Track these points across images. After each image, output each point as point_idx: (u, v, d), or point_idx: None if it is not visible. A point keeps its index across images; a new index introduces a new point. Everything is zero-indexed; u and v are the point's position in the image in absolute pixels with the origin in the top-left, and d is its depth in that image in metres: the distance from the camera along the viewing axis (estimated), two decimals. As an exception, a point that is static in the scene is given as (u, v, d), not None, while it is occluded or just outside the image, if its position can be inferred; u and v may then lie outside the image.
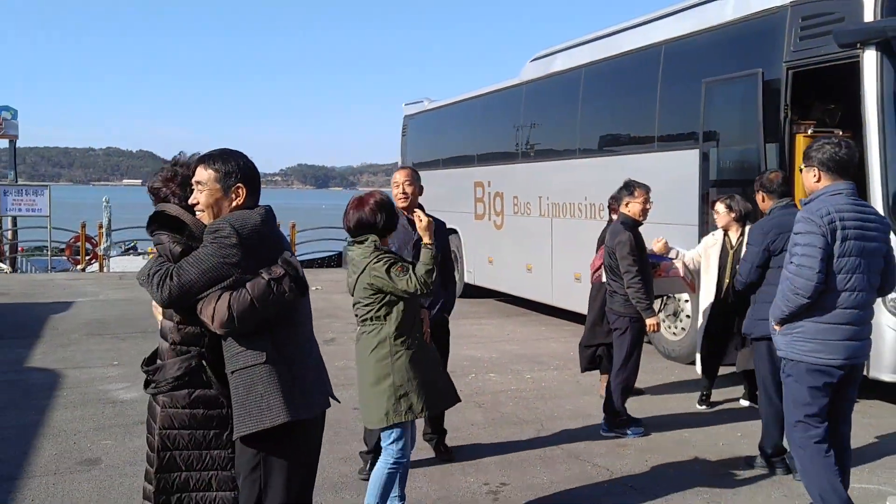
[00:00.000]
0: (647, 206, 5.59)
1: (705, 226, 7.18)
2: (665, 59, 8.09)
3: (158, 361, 2.75)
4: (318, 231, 20.75)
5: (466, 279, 12.32)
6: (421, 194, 4.85)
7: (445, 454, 5.03)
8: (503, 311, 11.49)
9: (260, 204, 2.83)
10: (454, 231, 12.35)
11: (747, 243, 4.89)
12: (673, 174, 7.73)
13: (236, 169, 2.76)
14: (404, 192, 4.77)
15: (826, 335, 3.65)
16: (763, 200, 4.98)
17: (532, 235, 10.52)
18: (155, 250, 2.82)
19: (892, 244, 3.81)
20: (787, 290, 3.65)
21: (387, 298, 3.69)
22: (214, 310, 2.60)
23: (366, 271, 3.66)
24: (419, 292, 3.61)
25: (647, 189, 5.60)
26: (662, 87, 8.14)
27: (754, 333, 4.85)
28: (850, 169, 3.75)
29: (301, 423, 2.69)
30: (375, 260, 3.64)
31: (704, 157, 7.34)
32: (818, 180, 3.72)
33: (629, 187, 5.62)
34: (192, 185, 2.76)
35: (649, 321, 5.47)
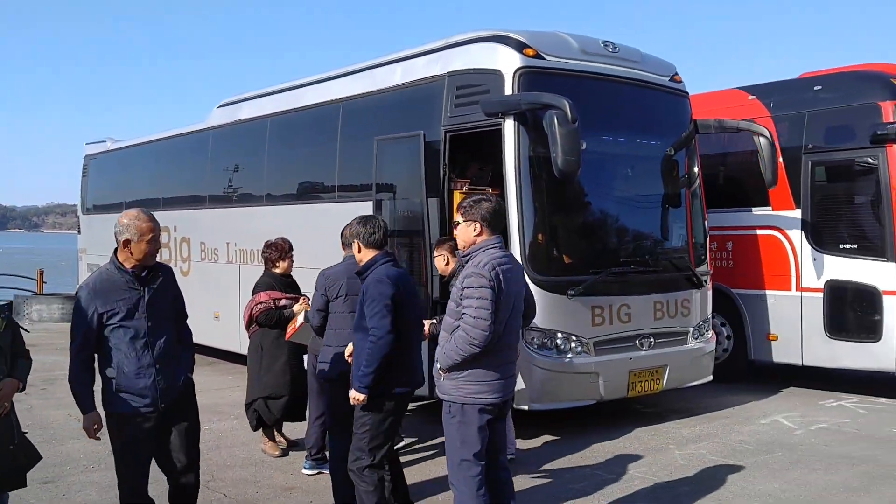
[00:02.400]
0: None
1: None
2: (343, 116, 8.56)
3: None
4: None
5: (151, 328, 11.73)
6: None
7: None
8: (190, 360, 11.10)
9: None
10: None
11: (315, 289, 5.22)
12: (351, 224, 8.15)
13: None
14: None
15: (488, 377, 4.00)
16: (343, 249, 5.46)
17: (220, 282, 10.38)
18: None
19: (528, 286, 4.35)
20: (462, 341, 3.90)
21: None
22: None
23: None
24: None
25: None
26: (342, 142, 8.59)
27: (324, 375, 5.10)
28: (501, 224, 4.24)
29: None
30: None
31: (378, 208, 7.84)
32: (479, 234, 4.09)
33: None
34: None
35: None
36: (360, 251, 4.60)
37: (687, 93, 8.06)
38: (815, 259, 8.38)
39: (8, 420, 3.60)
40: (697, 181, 7.99)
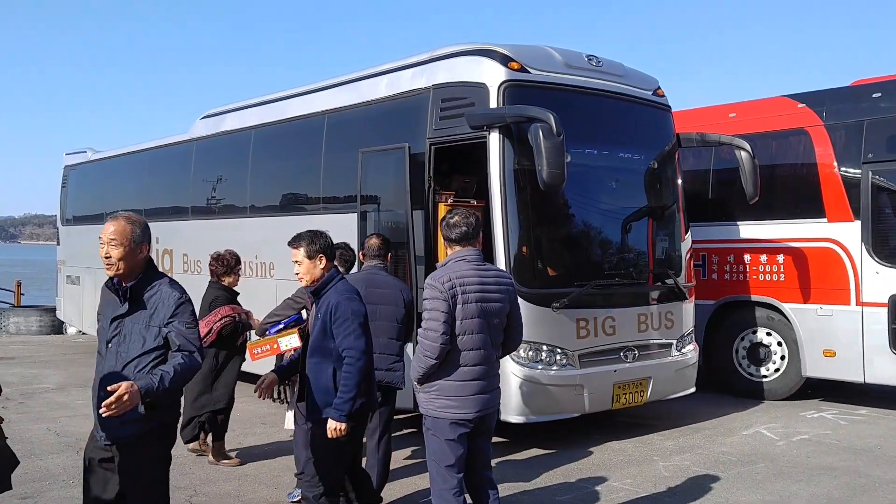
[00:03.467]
0: None
1: (363, 285, 7.63)
2: (328, 128, 8.55)
3: None
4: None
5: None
6: (143, 254, 3.62)
7: None
8: (171, 373, 11.01)
9: None
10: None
11: None
12: (336, 235, 8.08)
13: None
14: (108, 256, 3.50)
15: (458, 392, 4.01)
16: (363, 259, 5.61)
17: (202, 294, 10.28)
18: None
19: (516, 303, 4.25)
20: (419, 352, 3.99)
21: None
22: None
23: None
24: None
25: None
26: (326, 154, 8.59)
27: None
28: (469, 237, 4.17)
29: None
30: None
31: (363, 220, 7.83)
32: (448, 248, 4.21)
33: None
34: None
35: None
36: (324, 266, 4.29)
37: (669, 106, 8.12)
38: (877, 272, 8.06)
39: None
40: (679, 194, 8.05)
